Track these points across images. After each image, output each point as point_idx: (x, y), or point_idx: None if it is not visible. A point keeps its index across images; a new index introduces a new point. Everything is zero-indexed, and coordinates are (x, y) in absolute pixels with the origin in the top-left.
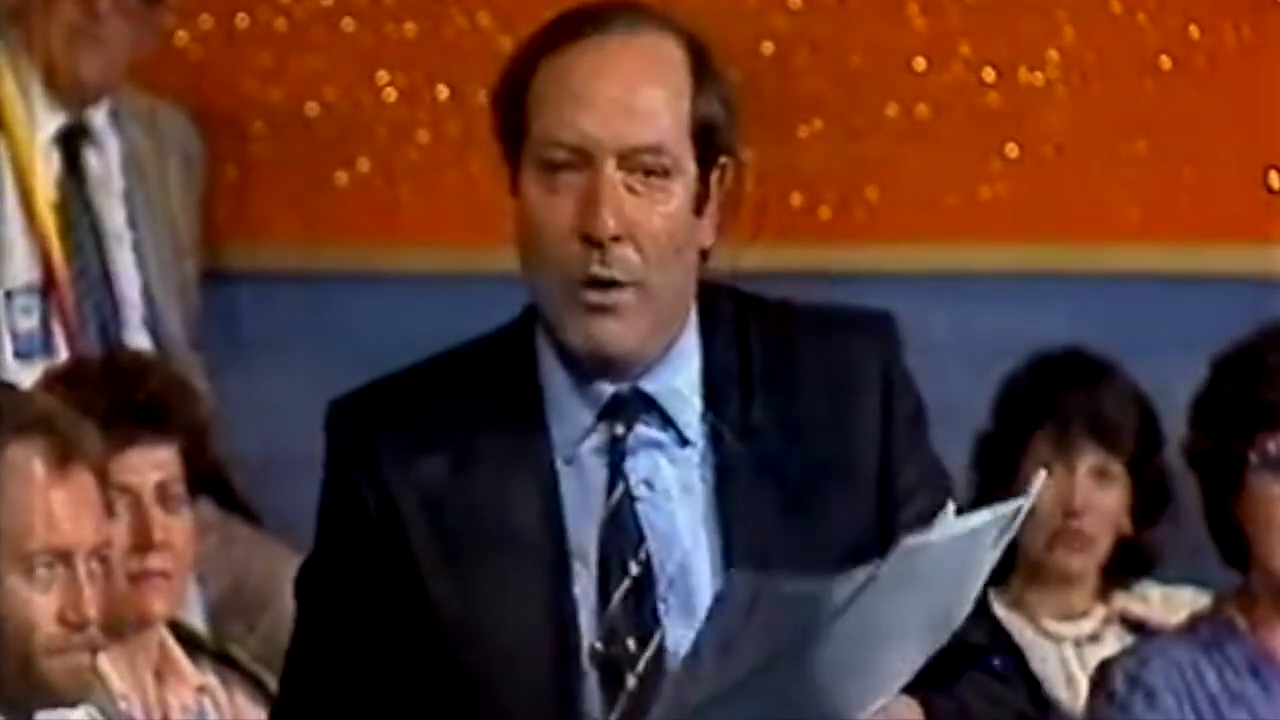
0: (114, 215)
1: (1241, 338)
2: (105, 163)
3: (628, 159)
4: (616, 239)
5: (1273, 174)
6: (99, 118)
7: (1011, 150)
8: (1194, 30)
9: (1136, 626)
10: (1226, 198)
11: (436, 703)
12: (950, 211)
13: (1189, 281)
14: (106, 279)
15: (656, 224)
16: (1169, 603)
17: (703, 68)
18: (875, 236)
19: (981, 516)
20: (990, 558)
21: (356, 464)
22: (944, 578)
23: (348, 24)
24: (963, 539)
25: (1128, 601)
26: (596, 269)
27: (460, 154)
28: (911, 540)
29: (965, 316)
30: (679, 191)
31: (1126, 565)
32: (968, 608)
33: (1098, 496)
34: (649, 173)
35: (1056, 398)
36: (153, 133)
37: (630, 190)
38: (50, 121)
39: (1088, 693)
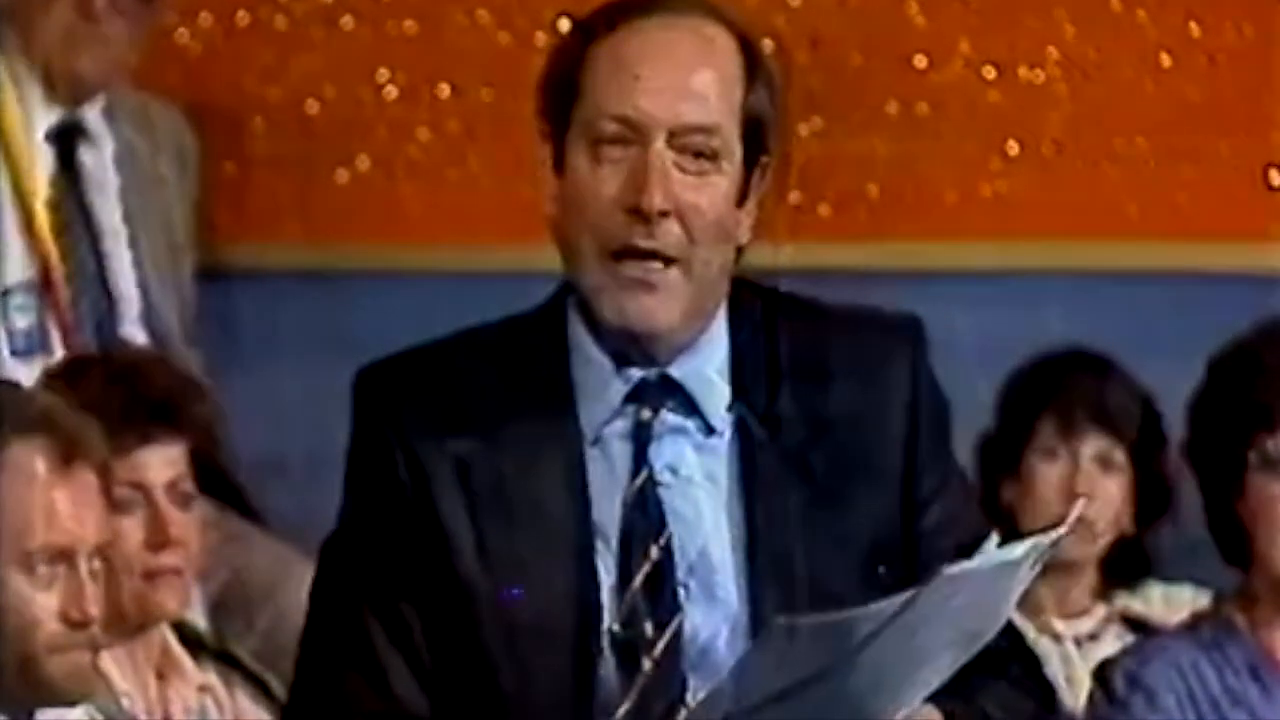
0: (109, 212)
1: (1238, 337)
2: (100, 160)
3: (678, 137)
4: (664, 214)
5: (1273, 172)
6: (93, 115)
7: (1012, 148)
8: (1194, 28)
9: (1137, 626)
10: (1226, 195)
11: (456, 671)
12: (950, 209)
13: (1189, 279)
14: (102, 276)
15: (703, 204)
16: (1170, 602)
17: (755, 63)
18: (875, 235)
19: (1023, 546)
20: (1026, 579)
21: (387, 426)
22: (980, 601)
23: (348, 22)
24: (1002, 567)
25: (1129, 600)
26: (639, 240)
27: (461, 152)
28: (952, 569)
29: (965, 314)
30: (725, 176)
31: (1127, 564)
32: (1000, 626)
33: (1101, 484)
34: (698, 154)
35: (1061, 385)
36: (146, 129)
37: (679, 169)
38: (45, 120)
39: (1088, 692)
